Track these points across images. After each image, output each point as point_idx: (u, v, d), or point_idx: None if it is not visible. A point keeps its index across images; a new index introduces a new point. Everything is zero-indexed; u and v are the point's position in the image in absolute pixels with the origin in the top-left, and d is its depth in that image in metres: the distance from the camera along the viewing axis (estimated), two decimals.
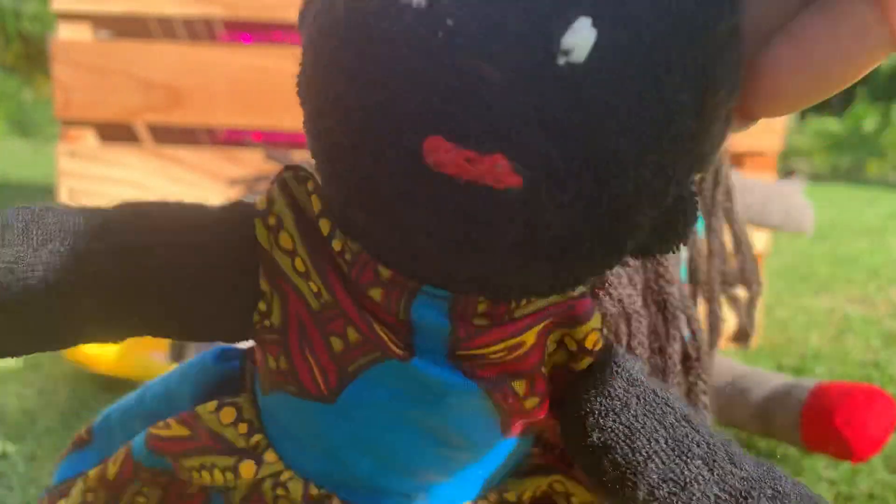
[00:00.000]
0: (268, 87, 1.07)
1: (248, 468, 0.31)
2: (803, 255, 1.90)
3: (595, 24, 0.19)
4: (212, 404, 0.32)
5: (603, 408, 0.28)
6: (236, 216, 0.29)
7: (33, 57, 4.96)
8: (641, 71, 0.20)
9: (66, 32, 1.08)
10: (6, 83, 4.79)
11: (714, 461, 0.28)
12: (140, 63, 1.07)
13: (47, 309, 0.28)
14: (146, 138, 1.23)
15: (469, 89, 0.20)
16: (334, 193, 0.25)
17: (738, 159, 1.10)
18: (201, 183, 1.10)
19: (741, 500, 0.28)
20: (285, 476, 0.31)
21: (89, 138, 1.11)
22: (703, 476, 0.28)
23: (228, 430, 0.31)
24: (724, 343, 1.12)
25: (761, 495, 0.28)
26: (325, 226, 0.27)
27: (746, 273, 0.53)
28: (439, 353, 0.27)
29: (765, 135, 1.08)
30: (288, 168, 0.29)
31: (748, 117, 0.22)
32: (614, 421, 0.28)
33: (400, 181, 0.21)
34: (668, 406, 0.29)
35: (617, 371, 0.29)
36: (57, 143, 1.11)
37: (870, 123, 5.39)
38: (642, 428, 0.28)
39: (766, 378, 0.75)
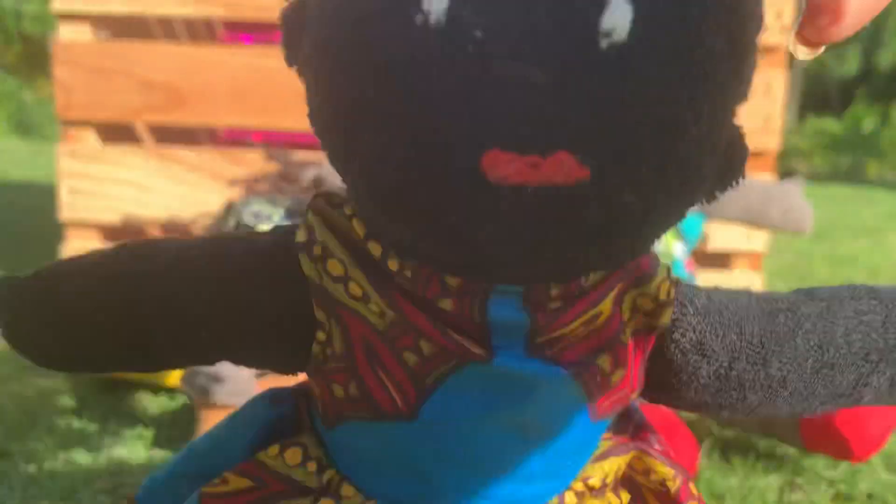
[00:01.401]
0: (268, 87, 1.07)
1: None
2: (803, 255, 1.90)
3: None
4: (273, 448, 0.31)
5: (711, 326, 0.29)
6: (279, 252, 0.29)
7: (34, 57, 4.96)
8: (683, 32, 0.20)
9: (66, 33, 1.08)
10: (6, 83, 4.79)
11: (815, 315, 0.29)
12: (141, 63, 1.07)
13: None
14: (147, 138, 1.23)
15: (516, 96, 0.19)
16: (391, 229, 0.24)
17: None
18: (202, 183, 1.10)
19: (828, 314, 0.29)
20: None
21: (90, 138, 1.11)
22: (811, 316, 0.29)
23: (297, 471, 0.30)
24: None
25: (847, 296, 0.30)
26: (374, 248, 0.26)
27: None
28: (518, 346, 0.26)
29: (764, 135, 1.08)
30: (318, 195, 0.28)
31: (815, 44, 0.23)
32: (729, 327, 0.29)
33: (466, 204, 0.21)
34: (745, 295, 0.30)
35: (697, 292, 0.29)
36: (58, 144, 1.11)
37: (869, 124, 5.39)
38: (746, 317, 0.29)
39: None
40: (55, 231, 1.15)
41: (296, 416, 0.32)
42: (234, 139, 1.35)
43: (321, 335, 0.28)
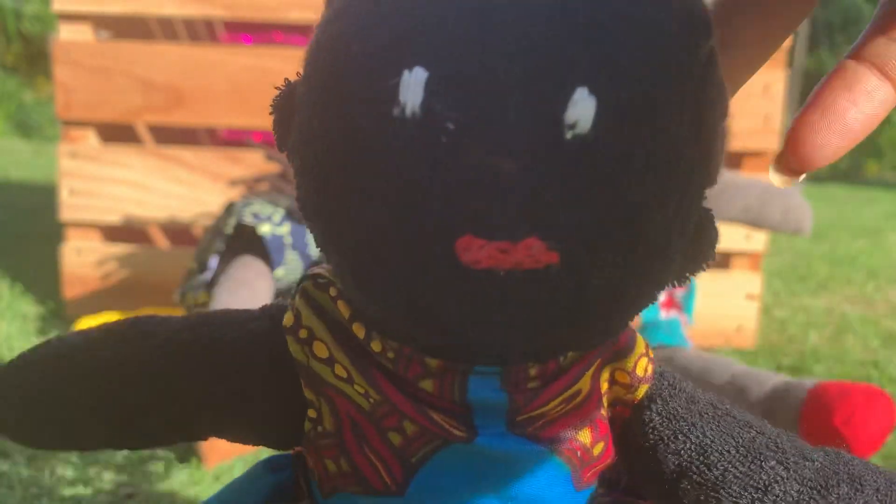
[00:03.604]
0: (268, 87, 1.06)
1: None
2: (802, 255, 1.90)
3: (592, 92, 0.19)
4: None
5: (671, 432, 0.28)
6: (269, 337, 0.30)
7: (34, 57, 4.96)
8: (645, 121, 0.20)
9: (66, 33, 1.08)
10: (7, 83, 4.79)
11: (786, 459, 0.28)
12: (141, 63, 1.07)
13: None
14: (147, 139, 1.23)
15: (486, 185, 0.20)
16: (371, 308, 0.25)
17: (737, 159, 1.10)
18: (202, 183, 1.10)
19: (822, 490, 0.28)
20: None
21: (90, 138, 1.11)
22: (780, 476, 0.28)
23: None
24: (723, 343, 1.12)
25: (839, 482, 0.28)
26: (358, 330, 0.27)
27: None
28: (499, 425, 0.27)
29: (764, 135, 1.09)
30: (306, 277, 0.29)
31: (793, 174, 0.24)
32: (685, 442, 0.28)
33: (440, 286, 0.22)
34: (730, 416, 0.29)
35: (674, 392, 0.29)
36: (58, 144, 1.11)
37: None
38: (712, 443, 0.28)
39: (765, 377, 0.75)
40: (55, 231, 1.15)
41: (294, 484, 0.33)
42: (234, 139, 1.35)
43: (312, 412, 0.29)
